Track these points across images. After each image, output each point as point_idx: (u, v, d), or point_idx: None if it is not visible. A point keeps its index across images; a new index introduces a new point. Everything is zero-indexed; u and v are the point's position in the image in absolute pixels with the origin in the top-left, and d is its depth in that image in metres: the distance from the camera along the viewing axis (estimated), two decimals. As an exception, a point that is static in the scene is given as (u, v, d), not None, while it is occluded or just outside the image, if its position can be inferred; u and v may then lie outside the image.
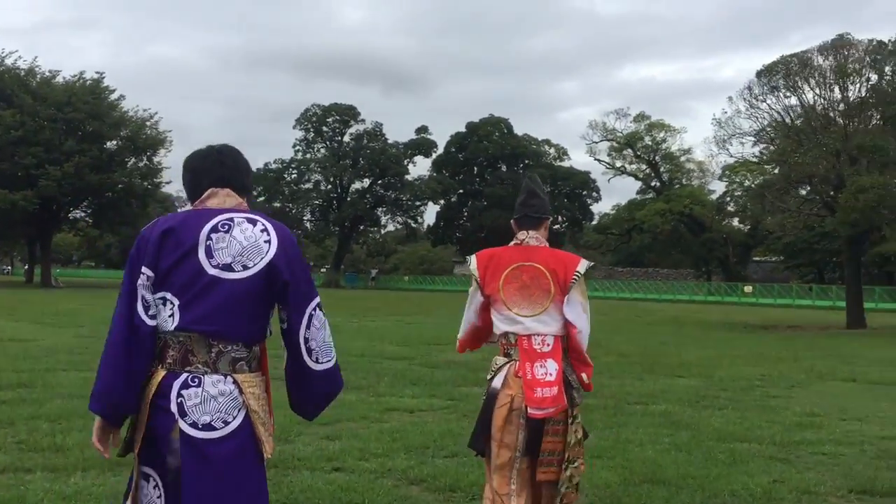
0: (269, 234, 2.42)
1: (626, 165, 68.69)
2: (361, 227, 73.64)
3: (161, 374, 2.36)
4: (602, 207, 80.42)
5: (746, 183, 66.02)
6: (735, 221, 69.72)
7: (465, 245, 76.19)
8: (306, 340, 2.43)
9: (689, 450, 6.49)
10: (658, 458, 6.16)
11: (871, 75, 22.11)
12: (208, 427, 2.32)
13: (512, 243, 3.61)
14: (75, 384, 9.13)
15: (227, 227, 2.41)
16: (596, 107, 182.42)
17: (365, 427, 7.21)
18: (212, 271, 2.36)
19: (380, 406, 8.22)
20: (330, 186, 71.01)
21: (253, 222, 2.44)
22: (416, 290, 64.96)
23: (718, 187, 70.59)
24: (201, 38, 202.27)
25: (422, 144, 71.32)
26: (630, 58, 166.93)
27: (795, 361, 14.00)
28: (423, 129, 72.42)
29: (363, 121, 70.86)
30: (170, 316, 2.36)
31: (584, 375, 3.49)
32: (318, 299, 2.50)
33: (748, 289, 49.82)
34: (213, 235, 2.39)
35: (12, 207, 44.38)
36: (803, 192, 25.41)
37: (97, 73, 51.46)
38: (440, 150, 73.31)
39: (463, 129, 74.10)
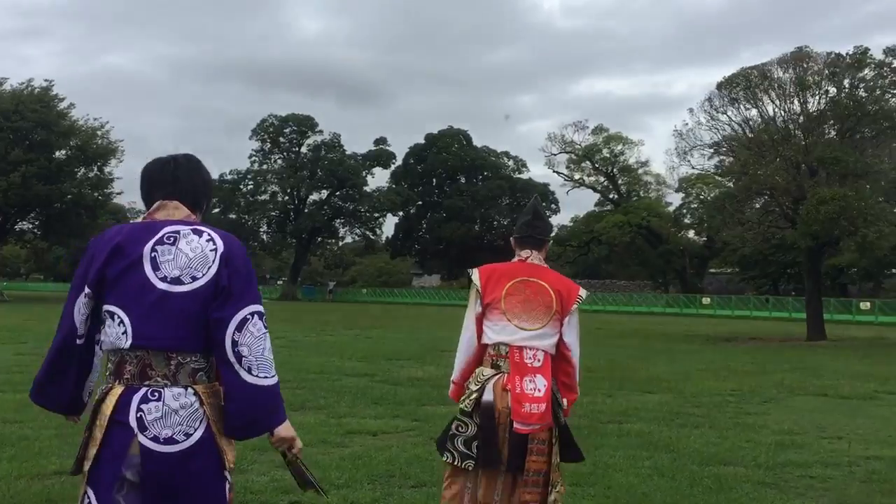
0: (214, 244, 2.38)
1: (585, 178, 68.96)
2: (319, 239, 72.75)
3: (118, 389, 2.30)
4: (560, 219, 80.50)
5: (703, 196, 66.99)
6: (691, 233, 70.57)
7: (424, 257, 75.85)
8: (235, 343, 2.29)
9: (672, 475, 6.10)
10: (641, 484, 5.76)
11: (829, 88, 22.27)
12: (170, 441, 2.26)
13: (515, 259, 3.63)
14: (9, 407, 8.47)
15: (172, 239, 2.36)
16: (553, 120, 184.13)
17: (325, 452, 6.70)
18: (160, 285, 2.31)
19: (340, 428, 7.72)
20: (287, 198, 70.08)
21: (199, 233, 2.39)
22: (374, 302, 64.26)
23: (675, 199, 71.51)
24: (155, 48, 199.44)
25: (380, 156, 70.78)
26: (586, 72, 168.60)
27: (764, 375, 13.79)
28: (381, 141, 71.96)
29: (321, 132, 70.17)
30: (123, 333, 2.30)
31: (565, 400, 3.51)
32: (257, 307, 2.36)
33: (706, 300, 50.16)
34: (158, 248, 2.35)
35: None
36: (759, 205, 25.52)
37: (46, 80, 49.95)
38: (399, 161, 72.91)
39: (422, 141, 73.84)
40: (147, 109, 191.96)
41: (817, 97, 22.31)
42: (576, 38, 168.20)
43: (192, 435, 2.29)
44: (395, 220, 74.11)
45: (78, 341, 2.40)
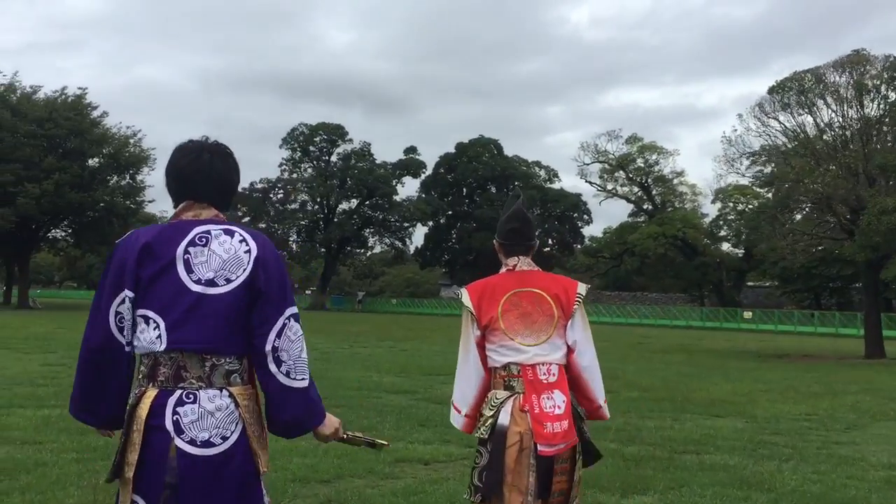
0: (248, 245, 2.36)
1: (618, 188, 67.97)
2: (348, 249, 72.21)
3: (153, 393, 2.27)
4: (592, 230, 79.49)
5: (741, 206, 65.60)
6: (727, 245, 69.16)
7: (454, 267, 75.05)
8: (275, 350, 2.31)
9: (781, 522, 5.23)
10: (749, 535, 4.90)
11: (889, 93, 21.16)
12: (207, 444, 2.25)
13: (503, 270, 3.38)
14: (29, 426, 7.80)
15: (204, 240, 2.35)
16: (581, 131, 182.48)
17: (373, 485, 5.95)
18: (195, 288, 2.30)
19: (388, 455, 6.91)
20: (317, 207, 69.65)
21: (230, 234, 2.37)
22: (404, 312, 63.57)
23: (711, 210, 70.16)
24: (188, 60, 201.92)
25: (410, 165, 70.15)
26: (614, 83, 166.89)
27: (834, 397, 12.79)
28: (411, 150, 71.36)
29: (351, 140, 69.70)
30: (157, 337, 2.29)
31: (583, 410, 3.28)
32: (293, 309, 2.38)
33: (748, 314, 48.77)
34: (191, 249, 2.33)
35: (-13, 225, 42.80)
36: (805, 215, 24.44)
37: (79, 88, 50.10)
38: (429, 171, 72.27)
39: (452, 150, 73.17)
40: (178, 120, 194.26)
41: (876, 102, 21.22)
42: (604, 49, 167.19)
43: (228, 438, 2.27)
44: (425, 230, 73.46)
45: (126, 349, 2.34)
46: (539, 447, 3.05)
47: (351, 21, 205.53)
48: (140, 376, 2.35)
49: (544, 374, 3.16)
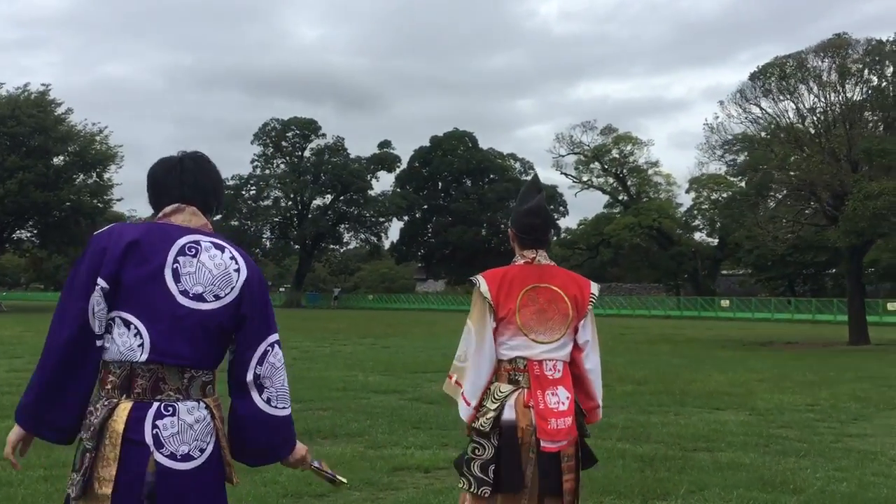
0: (237, 263, 2.34)
1: (593, 179, 67.71)
2: (323, 245, 71.38)
3: (127, 405, 2.18)
4: (568, 222, 79.27)
5: (714, 196, 65.75)
6: (701, 234, 69.35)
7: (430, 262, 74.56)
8: (257, 377, 2.28)
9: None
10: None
11: (871, 77, 20.96)
12: (186, 457, 2.20)
13: (521, 261, 3.29)
14: (-9, 440, 7.17)
15: (194, 250, 2.29)
16: (552, 124, 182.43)
17: (374, 498, 5.50)
18: (183, 301, 2.24)
19: (384, 463, 6.45)
20: (290, 203, 68.75)
21: (221, 248, 2.33)
22: (380, 308, 62.99)
23: (685, 200, 70.30)
24: (154, 57, 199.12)
25: (385, 159, 69.49)
26: (584, 76, 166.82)
27: (831, 386, 12.50)
28: (386, 144, 70.70)
29: (324, 135, 68.88)
30: (139, 346, 2.20)
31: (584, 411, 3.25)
32: (276, 336, 2.36)
33: (725, 303, 48.84)
34: (181, 258, 2.27)
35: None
36: (784, 200, 24.25)
37: (43, 84, 48.77)
38: (404, 165, 71.63)
39: (426, 144, 72.60)
40: (146, 118, 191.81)
41: (858, 86, 21.02)
42: (573, 42, 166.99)
43: (205, 450, 2.24)
44: (401, 224, 72.81)
45: (97, 342, 2.22)
46: (542, 443, 3.02)
47: (320, 16, 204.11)
48: (109, 386, 2.22)
49: (550, 370, 3.12)
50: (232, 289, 2.29)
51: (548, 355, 3.13)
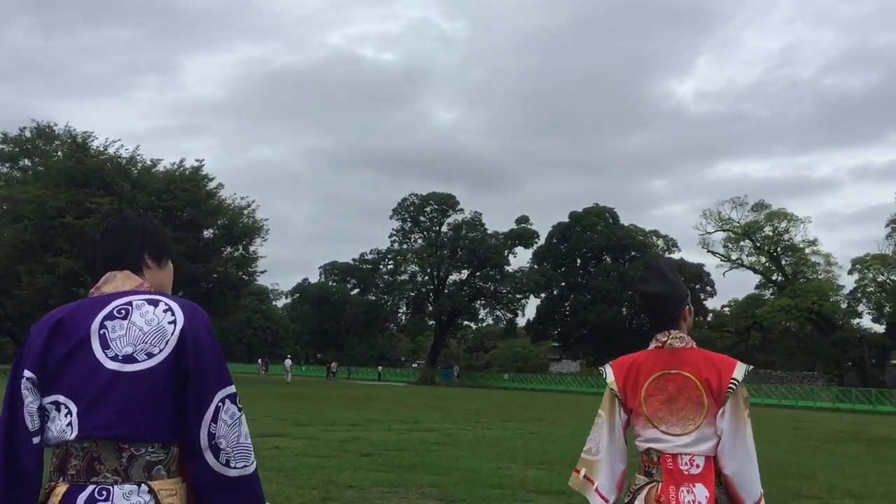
0: (173, 314, 2.11)
1: (744, 258, 64.02)
2: (458, 321, 70.33)
3: (62, 489, 2.01)
4: (716, 303, 74.87)
5: (881, 278, 60.36)
6: (866, 319, 63.54)
7: (567, 341, 71.98)
8: (211, 437, 2.06)
9: None
10: None
11: None
12: None
13: (652, 346, 3.08)
14: None
15: (124, 312, 2.11)
16: (688, 204, 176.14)
17: None
18: (110, 365, 2.03)
19: None
20: (426, 278, 68.45)
21: (155, 303, 2.14)
22: (516, 388, 60.75)
23: (847, 282, 65.03)
24: (299, 140, 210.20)
25: (522, 235, 68.30)
26: (722, 156, 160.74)
27: None
28: (523, 219, 69.64)
29: (461, 210, 68.67)
30: (68, 425, 2.03)
31: None
32: (230, 388, 2.12)
33: (906, 396, 43.66)
34: (108, 323, 2.09)
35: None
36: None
37: (196, 160, 50.90)
38: (541, 240, 70.18)
39: (565, 220, 71.03)
40: (289, 197, 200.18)
41: None
42: (710, 121, 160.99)
43: None
44: (537, 302, 70.91)
45: (34, 440, 2.07)
46: None
47: (457, 99, 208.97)
48: (51, 468, 2.08)
49: (686, 464, 2.89)
50: (167, 342, 2.07)
51: (684, 449, 2.91)
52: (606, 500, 3.01)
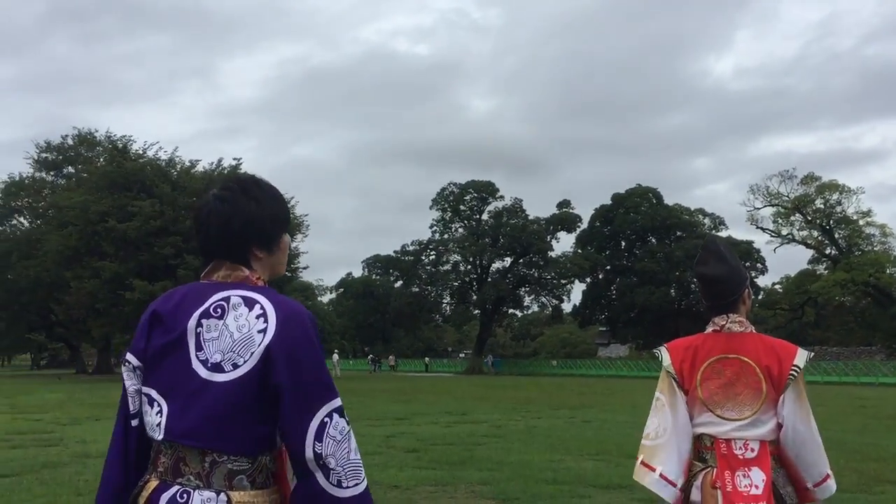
0: (266, 321, 1.93)
1: (795, 232, 62.16)
2: (503, 309, 69.60)
3: (153, 484, 1.98)
4: (766, 280, 72.94)
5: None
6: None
7: (615, 325, 70.82)
8: (318, 457, 1.90)
9: None
10: None
11: None
12: None
13: (709, 329, 3.03)
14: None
15: (220, 310, 1.97)
16: (732, 181, 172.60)
17: None
18: (202, 372, 1.93)
19: None
20: (469, 267, 67.83)
21: (251, 304, 1.95)
22: (564, 375, 59.91)
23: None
24: (338, 136, 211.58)
25: (565, 219, 67.20)
26: (764, 132, 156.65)
27: None
28: (565, 204, 68.51)
29: (502, 197, 67.79)
30: (157, 425, 1.97)
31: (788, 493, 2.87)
32: (336, 402, 1.95)
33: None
34: (205, 322, 1.97)
35: (151, 298, 42.72)
36: None
37: (234, 159, 50.98)
38: (584, 224, 69.04)
39: (607, 203, 69.77)
40: (330, 193, 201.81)
41: None
42: (750, 98, 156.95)
43: None
44: (583, 287, 69.83)
45: (132, 422, 2.05)
46: None
47: (492, 88, 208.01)
48: (150, 461, 2.04)
49: (741, 448, 2.84)
50: (251, 354, 1.90)
51: (738, 433, 2.84)
52: (674, 485, 2.91)
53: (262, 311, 1.94)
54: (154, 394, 2.00)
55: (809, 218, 59.93)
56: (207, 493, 1.91)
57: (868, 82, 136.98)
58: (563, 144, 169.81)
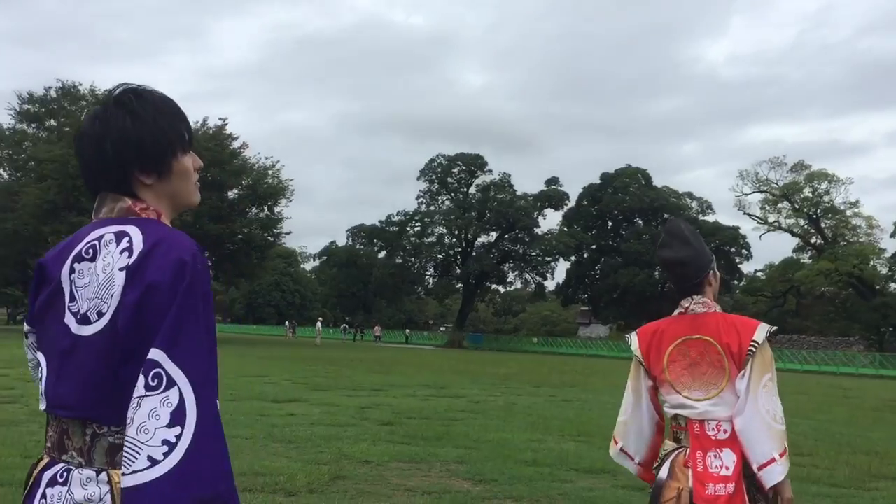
0: (130, 255, 1.55)
1: (782, 220, 62.04)
2: (486, 284, 69.28)
3: (44, 461, 1.70)
4: (751, 267, 72.96)
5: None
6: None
7: (597, 305, 70.72)
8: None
9: None
10: None
11: None
12: None
13: (676, 312, 3.04)
14: None
15: (91, 251, 1.62)
16: (719, 168, 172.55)
17: None
18: (73, 327, 1.59)
19: None
20: (454, 240, 67.34)
21: (121, 238, 1.59)
22: (545, 353, 59.76)
23: (889, 246, 62.89)
24: (328, 104, 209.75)
25: (552, 196, 66.79)
26: (754, 120, 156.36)
27: None
28: (553, 181, 68.07)
29: (490, 171, 67.23)
30: (42, 393, 1.69)
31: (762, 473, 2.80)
32: (160, 353, 1.49)
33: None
34: (76, 266, 1.63)
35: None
36: None
37: (220, 118, 50.14)
38: (572, 202, 68.62)
39: (596, 181, 69.37)
40: (318, 161, 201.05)
41: None
42: (742, 85, 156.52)
43: None
44: (567, 265, 69.59)
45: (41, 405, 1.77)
46: None
47: (485, 63, 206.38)
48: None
49: (713, 430, 2.86)
50: (112, 297, 1.54)
51: (710, 415, 2.86)
52: (632, 458, 3.07)
53: (128, 245, 1.57)
54: (41, 357, 1.69)
55: (797, 206, 59.81)
56: (87, 472, 1.59)
57: (859, 75, 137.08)
58: (553, 122, 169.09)
